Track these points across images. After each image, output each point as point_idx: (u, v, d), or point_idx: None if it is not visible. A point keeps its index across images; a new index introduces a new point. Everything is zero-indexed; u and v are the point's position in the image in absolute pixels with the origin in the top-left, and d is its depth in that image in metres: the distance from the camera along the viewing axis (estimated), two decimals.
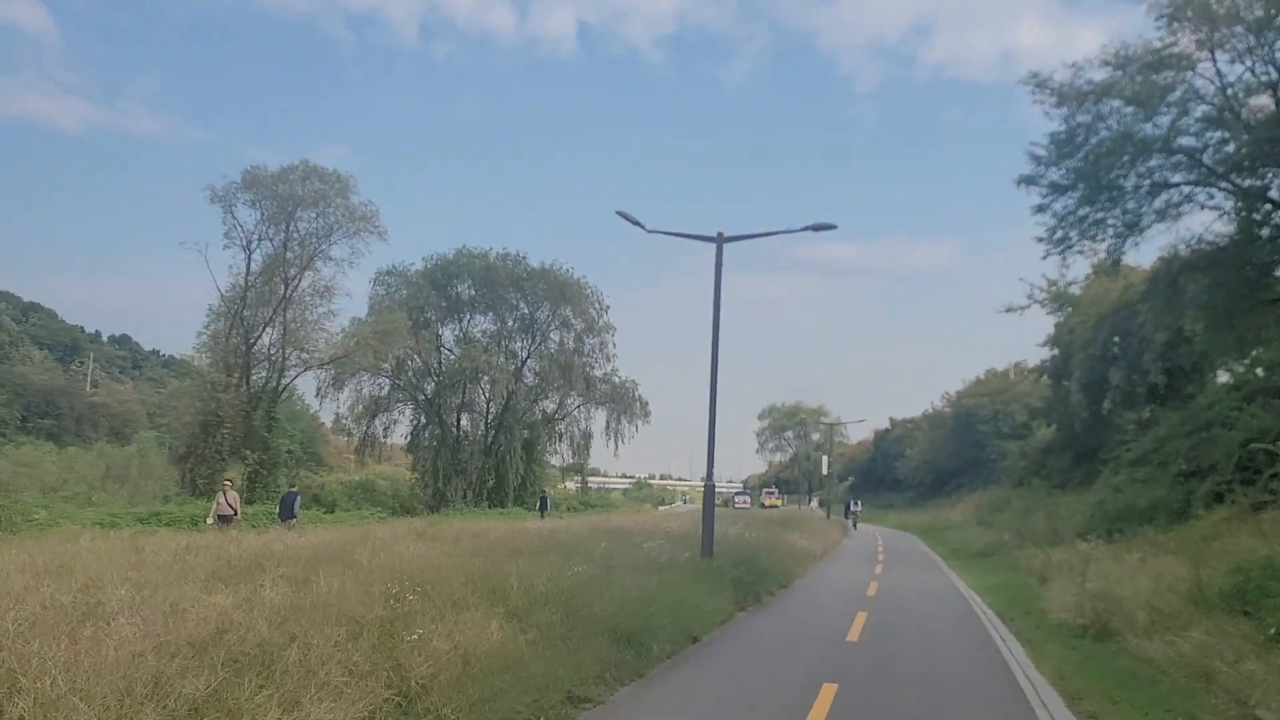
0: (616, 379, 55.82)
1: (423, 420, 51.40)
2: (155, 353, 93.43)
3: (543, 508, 38.02)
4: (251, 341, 33.50)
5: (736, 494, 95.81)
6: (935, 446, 66.84)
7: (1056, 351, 36.89)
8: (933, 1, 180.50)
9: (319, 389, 48.46)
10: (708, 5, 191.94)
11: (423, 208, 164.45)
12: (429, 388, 51.89)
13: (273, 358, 34.12)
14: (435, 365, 51.21)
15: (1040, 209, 18.75)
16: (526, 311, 51.92)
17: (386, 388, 51.41)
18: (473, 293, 51.36)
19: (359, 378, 47.60)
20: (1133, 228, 18.52)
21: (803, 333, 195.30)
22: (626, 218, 12.87)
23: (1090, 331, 29.33)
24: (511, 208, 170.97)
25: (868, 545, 34.05)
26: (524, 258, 51.26)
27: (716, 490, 14.98)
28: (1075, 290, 32.68)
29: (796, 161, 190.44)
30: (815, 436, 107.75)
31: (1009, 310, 33.76)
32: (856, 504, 50.05)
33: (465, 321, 51.89)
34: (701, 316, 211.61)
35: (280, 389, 34.71)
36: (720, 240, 13.54)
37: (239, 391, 32.32)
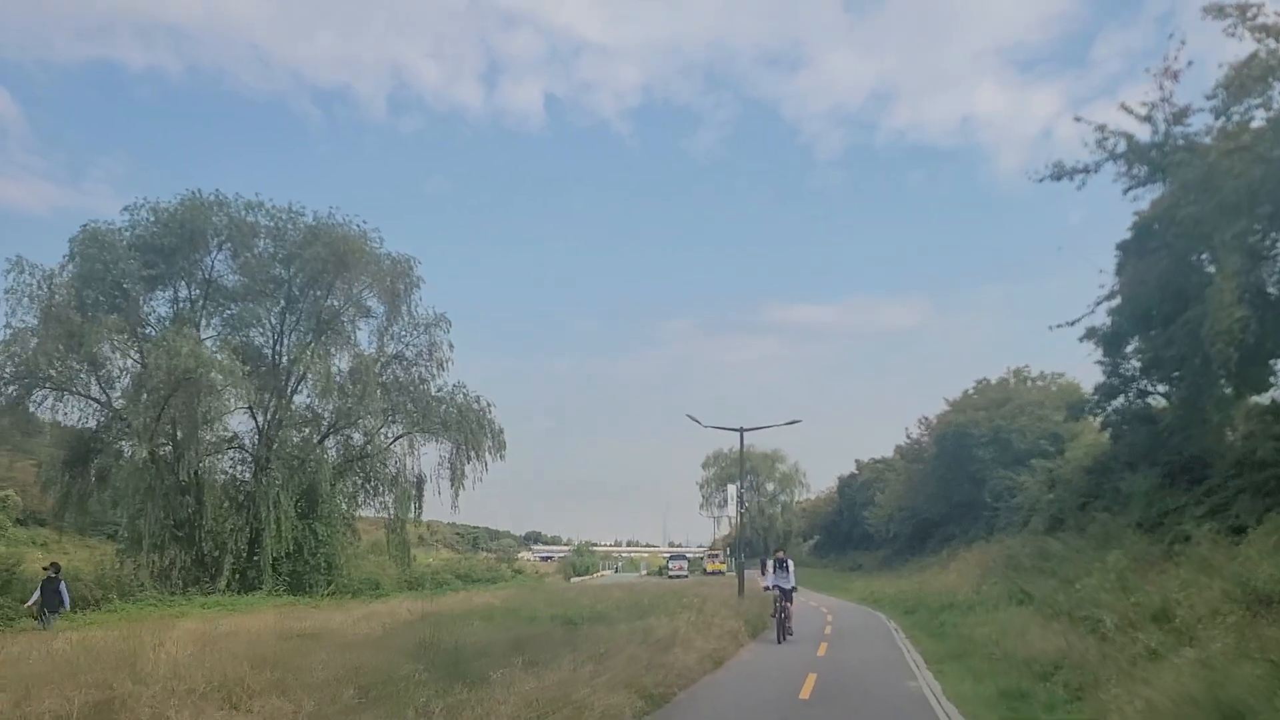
0: (461, 398, 38.91)
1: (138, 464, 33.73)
2: None
3: (47, 607, 19.18)
4: None
5: (671, 559, 79.19)
6: (914, 487, 50.30)
7: (1118, 284, 19.99)
8: (892, 70, 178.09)
9: None
10: (674, 77, 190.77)
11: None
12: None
13: None
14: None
15: None
16: (297, 291, 34.87)
17: (95, 417, 33.97)
18: (222, 266, 34.44)
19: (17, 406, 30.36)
20: None
21: (773, 395, 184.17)
22: None
23: (1251, 190, 12.98)
24: (476, 278, 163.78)
25: (772, 679, 14.57)
26: (298, 213, 34.68)
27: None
28: (1196, 133, 16.38)
29: (764, 227, 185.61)
30: (770, 486, 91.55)
31: (1057, 177, 17.72)
32: (787, 571, 21.69)
33: (199, 307, 34.51)
34: (681, 385, 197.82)
35: None
36: None
37: None
